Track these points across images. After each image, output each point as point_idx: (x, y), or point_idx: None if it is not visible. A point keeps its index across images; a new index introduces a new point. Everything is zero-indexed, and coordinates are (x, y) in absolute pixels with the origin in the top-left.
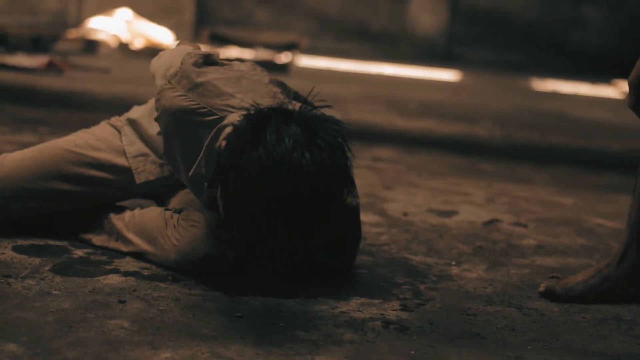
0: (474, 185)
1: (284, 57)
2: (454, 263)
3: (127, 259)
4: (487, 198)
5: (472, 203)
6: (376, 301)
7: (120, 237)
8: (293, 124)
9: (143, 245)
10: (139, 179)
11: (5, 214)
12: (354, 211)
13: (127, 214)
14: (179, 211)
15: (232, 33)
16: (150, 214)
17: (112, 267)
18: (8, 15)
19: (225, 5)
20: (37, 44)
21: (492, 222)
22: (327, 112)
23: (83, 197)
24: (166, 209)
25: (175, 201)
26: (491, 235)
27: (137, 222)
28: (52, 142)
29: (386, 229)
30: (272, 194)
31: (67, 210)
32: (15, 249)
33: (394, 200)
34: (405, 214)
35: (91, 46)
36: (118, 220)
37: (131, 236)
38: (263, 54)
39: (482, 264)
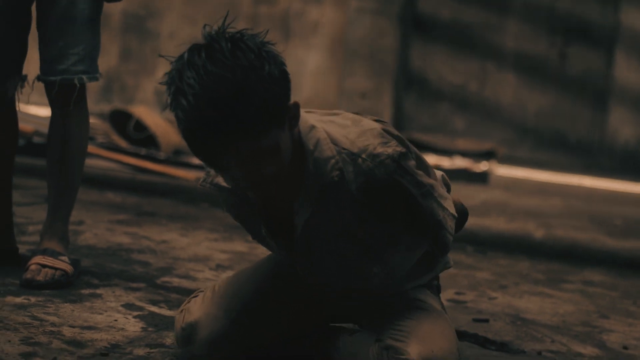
0: None
1: (482, 166)
2: None
3: None
4: None
5: None
6: None
7: None
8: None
9: None
10: None
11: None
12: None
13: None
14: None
15: (429, 139)
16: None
17: None
18: None
19: (423, 111)
20: None
21: None
22: None
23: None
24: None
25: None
26: None
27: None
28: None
29: None
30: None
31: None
32: None
33: (612, 330)
34: (625, 348)
35: None
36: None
37: None
38: (460, 162)
39: None
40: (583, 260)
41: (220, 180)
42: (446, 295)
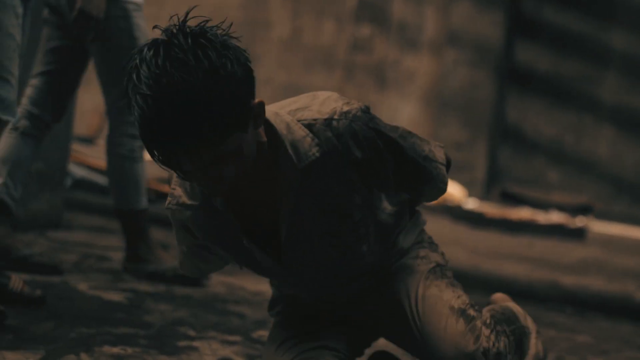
0: None
1: (578, 222)
2: None
3: None
4: None
5: None
6: None
7: None
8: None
9: None
10: None
11: None
12: None
13: None
14: None
15: (523, 192)
16: None
17: None
18: None
19: (518, 163)
20: None
21: None
22: None
23: None
24: None
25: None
26: None
27: None
28: None
29: None
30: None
31: None
32: None
33: None
34: None
35: None
36: None
37: None
38: (556, 217)
39: None
40: None
41: (186, 200)
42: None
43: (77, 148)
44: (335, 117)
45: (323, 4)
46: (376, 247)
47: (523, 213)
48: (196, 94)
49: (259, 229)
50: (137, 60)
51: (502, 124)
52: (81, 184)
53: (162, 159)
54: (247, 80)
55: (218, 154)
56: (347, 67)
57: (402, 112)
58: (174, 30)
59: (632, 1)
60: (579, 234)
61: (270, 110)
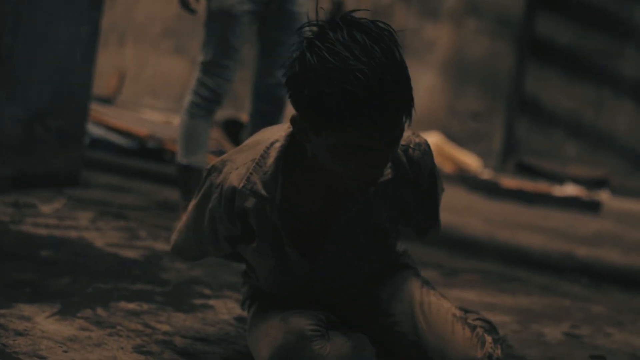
0: None
1: (593, 195)
2: None
3: None
4: None
5: None
6: None
7: None
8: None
9: None
10: None
11: None
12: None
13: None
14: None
15: (539, 164)
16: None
17: None
18: None
19: (535, 135)
20: None
21: None
22: None
23: None
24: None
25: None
26: None
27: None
28: None
29: None
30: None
31: None
32: None
33: None
34: None
35: None
36: None
37: None
38: (572, 190)
39: None
40: None
41: (260, 189)
42: (562, 328)
43: (95, 108)
44: (412, 146)
45: None
46: (383, 252)
47: (539, 185)
48: (402, 64)
49: (301, 229)
50: (332, 43)
51: (520, 95)
52: (98, 143)
53: (369, 131)
54: None
55: (398, 135)
56: None
57: (420, 81)
58: (350, 17)
59: None
60: (594, 207)
61: None
